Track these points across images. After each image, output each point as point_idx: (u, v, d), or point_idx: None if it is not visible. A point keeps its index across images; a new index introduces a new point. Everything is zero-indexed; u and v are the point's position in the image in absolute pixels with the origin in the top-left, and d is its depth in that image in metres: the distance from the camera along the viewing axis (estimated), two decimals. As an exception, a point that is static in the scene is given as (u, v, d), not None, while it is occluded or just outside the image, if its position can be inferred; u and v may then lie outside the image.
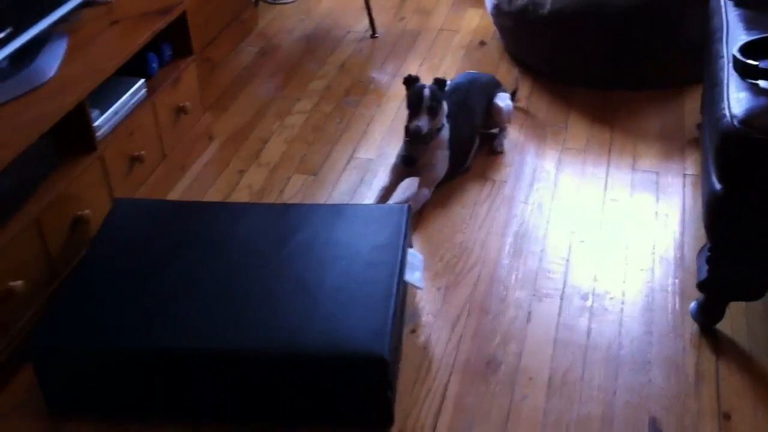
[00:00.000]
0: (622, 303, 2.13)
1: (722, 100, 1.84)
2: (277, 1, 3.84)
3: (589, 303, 2.13)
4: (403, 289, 1.97)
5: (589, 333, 2.04)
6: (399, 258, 1.96)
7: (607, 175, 2.61)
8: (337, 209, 2.15)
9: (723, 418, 1.81)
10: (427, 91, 2.42)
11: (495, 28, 3.38)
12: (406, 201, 2.45)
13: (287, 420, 1.84)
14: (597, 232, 2.38)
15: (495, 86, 2.78)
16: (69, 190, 2.12)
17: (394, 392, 1.83)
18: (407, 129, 2.50)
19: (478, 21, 3.60)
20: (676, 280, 2.18)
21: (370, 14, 3.52)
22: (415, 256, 2.09)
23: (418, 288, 2.10)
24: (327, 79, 3.22)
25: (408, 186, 2.53)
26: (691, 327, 2.04)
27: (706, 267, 1.94)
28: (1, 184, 1.91)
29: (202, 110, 2.79)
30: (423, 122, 2.41)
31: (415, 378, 1.95)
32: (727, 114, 1.77)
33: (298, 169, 2.70)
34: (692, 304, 2.06)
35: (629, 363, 1.96)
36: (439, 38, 3.49)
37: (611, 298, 2.14)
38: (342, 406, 1.81)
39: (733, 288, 1.96)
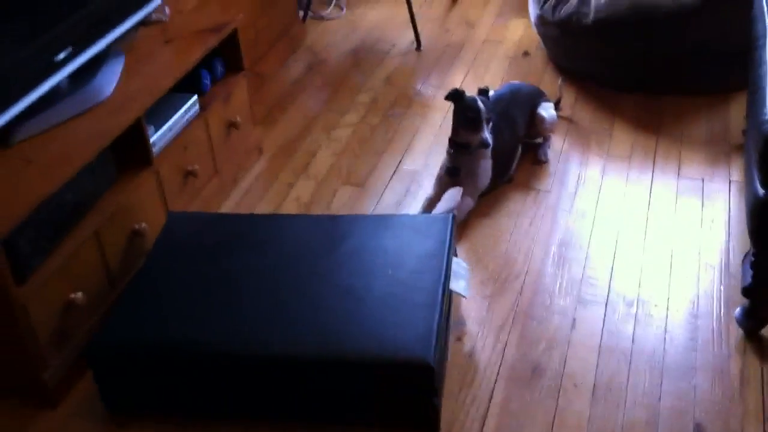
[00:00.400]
0: (667, 309, 2.14)
1: (764, 105, 1.85)
2: (324, 17, 3.92)
3: (633, 310, 2.15)
4: (448, 297, 2.01)
5: (633, 339, 2.06)
6: (444, 266, 2.00)
7: (652, 181, 2.62)
8: (383, 219, 2.20)
9: (769, 424, 1.82)
10: (481, 103, 2.46)
11: (539, 38, 3.40)
12: (451, 210, 2.48)
13: (334, 423, 1.89)
14: (642, 239, 2.39)
15: (538, 96, 2.81)
16: (126, 203, 2.20)
17: (440, 399, 1.86)
18: (451, 141, 2.54)
19: (522, 31, 3.63)
20: (722, 287, 2.19)
21: (415, 27, 3.58)
22: (460, 264, 2.12)
23: (463, 296, 2.13)
24: (373, 92, 3.28)
25: (452, 196, 2.56)
26: (737, 333, 2.04)
27: (750, 272, 1.94)
28: (63, 198, 1.99)
29: (252, 124, 2.86)
30: (487, 133, 2.44)
31: (461, 384, 1.98)
32: (769, 120, 1.78)
33: (346, 180, 2.76)
34: (737, 310, 2.06)
35: (674, 369, 1.97)
36: (483, 49, 3.52)
37: (656, 305, 2.15)
38: (388, 411, 1.85)
39: (778, 293, 1.96)
